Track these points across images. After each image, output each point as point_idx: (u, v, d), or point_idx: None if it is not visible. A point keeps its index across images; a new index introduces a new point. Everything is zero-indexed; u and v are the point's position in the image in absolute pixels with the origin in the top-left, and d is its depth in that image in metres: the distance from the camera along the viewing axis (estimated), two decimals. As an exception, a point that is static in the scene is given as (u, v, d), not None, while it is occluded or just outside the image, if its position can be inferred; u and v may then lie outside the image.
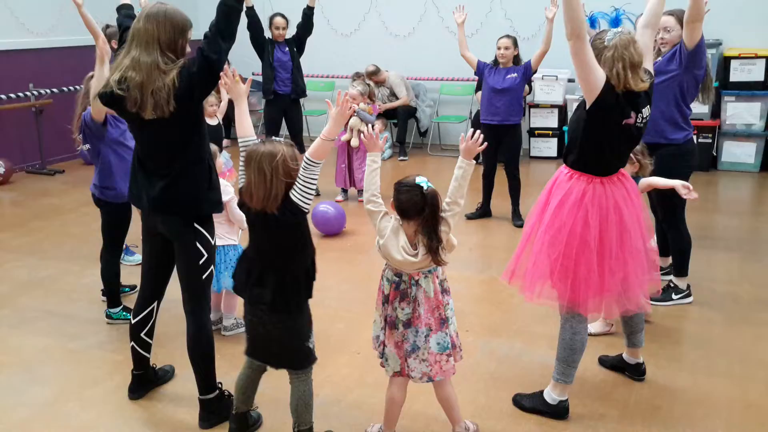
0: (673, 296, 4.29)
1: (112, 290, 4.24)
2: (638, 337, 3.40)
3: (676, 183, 3.59)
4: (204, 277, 3.05)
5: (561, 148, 8.42)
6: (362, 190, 6.48)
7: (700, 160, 6.87)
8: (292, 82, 6.88)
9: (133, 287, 4.54)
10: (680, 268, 4.31)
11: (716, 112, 7.66)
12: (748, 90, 7.50)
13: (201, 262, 3.02)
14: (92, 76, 4.13)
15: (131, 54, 2.82)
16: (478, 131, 2.80)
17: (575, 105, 7.50)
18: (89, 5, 4.41)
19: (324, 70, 9.71)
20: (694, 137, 4.24)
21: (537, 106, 8.46)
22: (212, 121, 5.34)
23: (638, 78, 2.88)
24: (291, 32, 6.97)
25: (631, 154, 3.55)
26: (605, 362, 3.57)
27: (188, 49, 2.91)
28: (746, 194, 7.11)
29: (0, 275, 5.03)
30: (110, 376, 3.57)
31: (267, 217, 2.66)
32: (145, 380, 3.39)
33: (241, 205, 2.76)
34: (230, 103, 3.58)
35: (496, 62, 6.00)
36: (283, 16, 6.88)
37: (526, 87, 8.01)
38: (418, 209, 2.59)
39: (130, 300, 4.47)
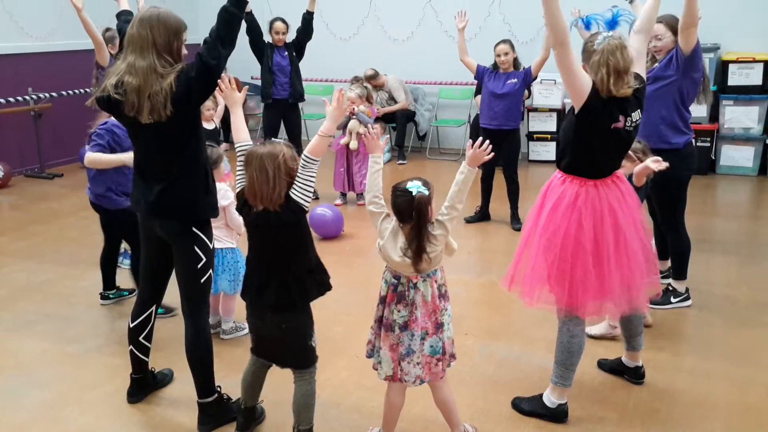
0: (672, 299, 4.29)
1: (107, 274, 4.41)
2: (637, 341, 3.40)
3: (645, 163, 3.53)
4: (202, 281, 3.06)
5: (559, 151, 8.43)
6: (361, 194, 6.54)
7: (699, 163, 6.86)
8: (291, 87, 6.89)
9: (131, 291, 4.54)
10: (679, 271, 4.31)
11: (714, 115, 7.67)
12: (746, 94, 7.51)
13: (199, 266, 3.02)
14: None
15: (127, 59, 2.83)
16: (487, 141, 2.78)
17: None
18: (90, 9, 4.43)
19: (323, 74, 9.72)
20: (693, 141, 4.24)
21: (536, 110, 8.48)
22: (209, 126, 5.35)
23: (622, 83, 2.87)
24: (290, 36, 6.98)
25: (631, 152, 3.55)
26: (604, 365, 3.57)
27: (185, 51, 2.91)
28: (744, 198, 7.12)
29: (-1, 279, 5.03)
30: (109, 379, 3.57)
31: (269, 216, 2.69)
32: (144, 384, 3.39)
33: (243, 205, 2.77)
34: (227, 108, 3.59)
35: (495, 66, 6.01)
36: (283, 20, 6.88)
37: (526, 91, 8.05)
38: (411, 213, 2.61)
39: (129, 304, 4.48)
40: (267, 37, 6.87)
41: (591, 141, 2.97)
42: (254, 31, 6.72)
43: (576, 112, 2.95)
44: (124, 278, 4.57)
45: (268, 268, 2.78)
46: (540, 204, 3.12)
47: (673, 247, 4.32)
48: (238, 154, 2.84)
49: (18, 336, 4.11)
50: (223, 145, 7.31)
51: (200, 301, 3.10)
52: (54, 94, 8.27)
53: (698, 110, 7.55)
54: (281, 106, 6.92)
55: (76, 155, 8.62)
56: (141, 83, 2.77)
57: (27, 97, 8.08)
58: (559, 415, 3.13)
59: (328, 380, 3.46)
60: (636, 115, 3.01)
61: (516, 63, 6.01)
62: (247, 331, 3.84)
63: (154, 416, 3.26)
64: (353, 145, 6.58)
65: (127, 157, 3.83)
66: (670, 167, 4.08)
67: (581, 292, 2.97)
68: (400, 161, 8.71)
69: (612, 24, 3.01)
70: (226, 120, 8.30)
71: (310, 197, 2.73)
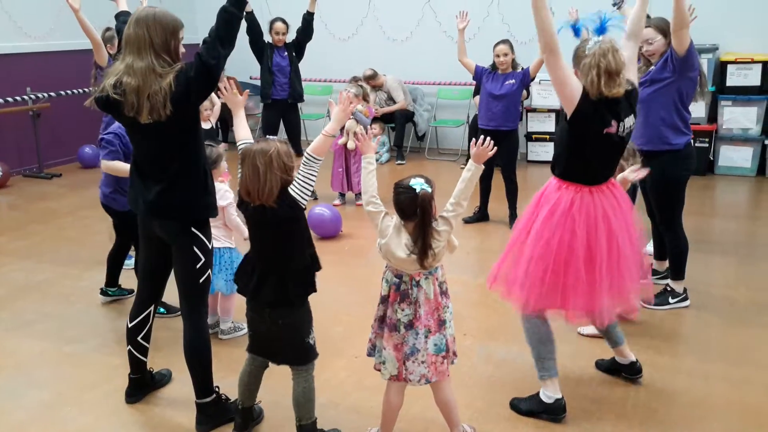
0: (670, 300, 4.30)
1: (111, 271, 4.44)
2: (615, 334, 3.38)
3: (623, 175, 3.52)
4: (201, 281, 3.05)
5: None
6: (359, 194, 6.52)
7: (697, 164, 6.87)
8: (290, 87, 6.89)
9: (132, 291, 4.53)
10: (677, 271, 4.31)
11: (713, 116, 7.68)
12: (744, 95, 7.52)
13: (198, 266, 3.02)
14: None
15: (125, 60, 2.83)
16: (488, 138, 2.82)
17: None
18: (88, 10, 4.42)
19: (322, 75, 9.72)
20: (692, 141, 4.25)
21: (534, 110, 8.48)
22: (206, 125, 5.35)
23: (614, 84, 2.89)
24: (290, 37, 6.98)
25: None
26: (601, 366, 3.58)
27: (183, 50, 2.90)
28: (743, 198, 7.13)
29: (-3, 279, 5.03)
30: (108, 379, 3.56)
31: (265, 211, 2.71)
32: (142, 384, 3.38)
33: (240, 202, 2.80)
34: (224, 106, 3.60)
35: (494, 67, 6.01)
36: (283, 21, 6.87)
37: (524, 92, 8.05)
38: (414, 210, 2.62)
39: (128, 303, 4.48)
40: (267, 37, 6.88)
41: (584, 147, 2.98)
42: (254, 31, 6.72)
43: (568, 117, 2.97)
44: (126, 278, 4.56)
45: (266, 264, 2.80)
46: (534, 210, 3.14)
47: (671, 247, 4.33)
48: (239, 152, 2.86)
49: (16, 335, 4.11)
50: (222, 145, 7.32)
51: (199, 301, 3.10)
52: (52, 93, 8.27)
53: (697, 111, 7.56)
54: (280, 107, 6.93)
55: (75, 155, 8.65)
56: (140, 84, 2.76)
57: (25, 97, 8.08)
58: (556, 410, 3.14)
59: (327, 380, 3.46)
60: (629, 121, 3.02)
61: (514, 64, 6.02)
62: (245, 331, 3.85)
63: (153, 416, 3.26)
64: (351, 144, 6.58)
65: None
66: (670, 167, 4.10)
67: (572, 298, 2.99)
68: (399, 161, 8.71)
69: (600, 30, 3.02)
70: (224, 120, 8.36)
71: (308, 195, 2.75)
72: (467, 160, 2.86)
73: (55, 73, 8.41)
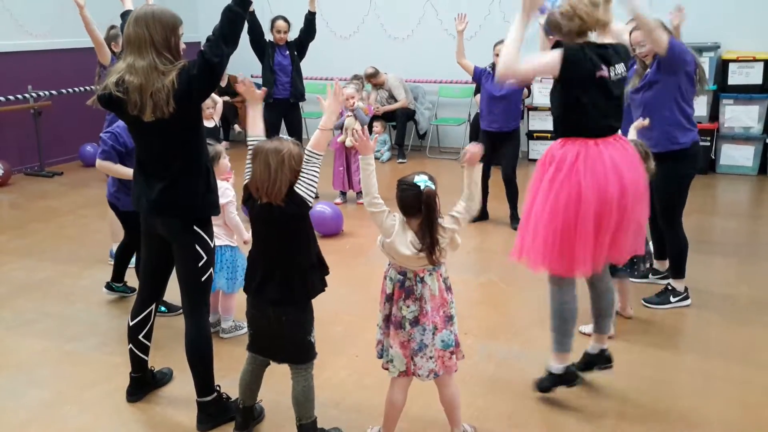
0: (672, 299, 4.29)
1: (119, 266, 4.46)
2: (606, 323, 3.40)
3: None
4: (203, 279, 3.05)
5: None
6: (361, 193, 6.51)
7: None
8: (292, 86, 6.88)
9: (133, 290, 4.53)
10: (677, 270, 4.31)
11: (714, 115, 7.68)
12: (746, 93, 7.51)
13: (200, 264, 3.02)
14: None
15: (127, 59, 2.83)
16: (474, 144, 2.84)
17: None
18: (93, 7, 4.40)
19: (323, 73, 9.72)
20: (698, 139, 4.24)
21: (536, 108, 8.47)
22: (209, 124, 5.35)
23: (608, 11, 2.96)
24: (292, 35, 6.97)
25: None
26: (577, 366, 3.45)
27: (183, 46, 2.90)
28: (744, 197, 7.12)
29: (-2, 277, 5.03)
30: (108, 378, 3.56)
31: (272, 209, 2.71)
32: (143, 383, 3.38)
33: (248, 198, 2.80)
34: (226, 105, 3.59)
35: (494, 66, 6.00)
36: (285, 19, 6.86)
37: (525, 90, 8.03)
38: (419, 207, 2.62)
39: (129, 302, 4.48)
40: (268, 36, 6.86)
41: (579, 96, 2.97)
42: (255, 30, 6.71)
43: (558, 76, 2.99)
44: (129, 277, 4.56)
45: (271, 262, 2.79)
46: (540, 173, 3.10)
47: (671, 246, 4.32)
48: (249, 147, 2.86)
49: (17, 334, 4.11)
50: (223, 143, 7.32)
51: (201, 299, 3.10)
52: (54, 92, 8.27)
53: (698, 109, 7.52)
54: (282, 106, 6.92)
55: (76, 153, 8.65)
56: (142, 82, 2.76)
57: (27, 95, 8.08)
58: (569, 377, 3.21)
59: (327, 379, 3.46)
60: (620, 68, 3.03)
61: None
62: (245, 330, 3.85)
63: (154, 415, 3.26)
64: (349, 142, 6.57)
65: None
66: (678, 166, 4.10)
67: (581, 254, 2.98)
68: (400, 160, 8.71)
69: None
70: (225, 118, 8.35)
71: (314, 192, 2.76)
72: None
73: (57, 72, 8.41)
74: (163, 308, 4.26)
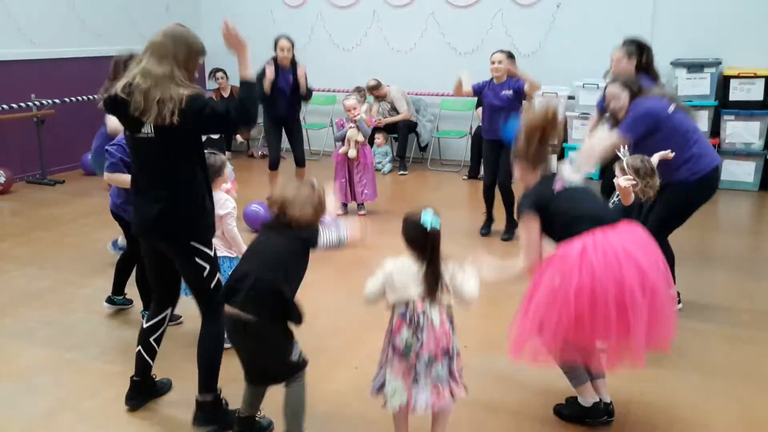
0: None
1: (119, 278, 4.43)
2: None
3: (618, 183, 3.51)
4: (212, 286, 3.10)
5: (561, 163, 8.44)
6: (362, 204, 6.52)
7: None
8: (291, 107, 6.92)
9: (132, 302, 4.52)
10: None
11: (716, 130, 7.70)
12: (747, 109, 7.53)
13: (205, 274, 3.07)
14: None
15: (142, 64, 2.89)
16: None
17: (575, 122, 7.51)
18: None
19: (325, 84, 9.75)
20: (719, 165, 4.18)
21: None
22: (214, 134, 5.36)
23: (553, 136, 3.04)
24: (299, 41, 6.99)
25: (630, 170, 3.56)
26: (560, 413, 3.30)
27: (196, 75, 3.01)
28: (745, 213, 7.13)
29: (-1, 285, 5.03)
30: (108, 387, 3.56)
31: (286, 219, 2.83)
32: (143, 388, 3.37)
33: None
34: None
35: (491, 80, 6.06)
36: (287, 38, 6.83)
37: (525, 102, 8.05)
38: (423, 244, 2.67)
39: (131, 313, 4.48)
40: (271, 51, 6.85)
41: (556, 217, 2.96)
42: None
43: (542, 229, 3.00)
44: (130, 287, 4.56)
45: (255, 269, 2.80)
46: (541, 270, 2.94)
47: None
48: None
49: (18, 342, 4.11)
50: (227, 154, 7.33)
51: (213, 308, 3.14)
52: (57, 100, 8.29)
53: (699, 125, 7.56)
54: (282, 118, 6.95)
55: (78, 162, 8.66)
56: (151, 86, 2.82)
57: (30, 104, 8.10)
58: (596, 412, 3.12)
59: (326, 392, 3.45)
60: (571, 176, 3.07)
61: (510, 74, 6.03)
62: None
63: (153, 425, 3.25)
64: (352, 153, 6.58)
65: None
66: (692, 190, 4.05)
67: (597, 346, 2.88)
68: (402, 172, 8.72)
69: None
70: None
71: (325, 244, 2.96)
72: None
73: (60, 80, 8.44)
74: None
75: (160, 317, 3.29)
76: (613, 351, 2.88)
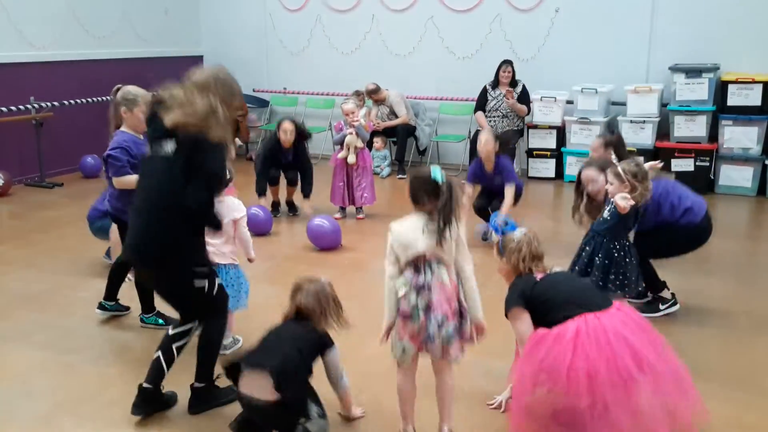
0: (661, 306, 4.35)
1: (112, 283, 4.41)
2: None
3: (616, 200, 3.63)
4: (214, 294, 3.19)
5: (559, 168, 8.46)
6: (361, 208, 6.52)
7: (698, 182, 6.89)
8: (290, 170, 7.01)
9: (127, 308, 4.51)
10: (655, 287, 4.40)
11: (714, 135, 7.71)
12: (745, 114, 7.54)
13: (205, 290, 3.16)
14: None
15: (185, 86, 3.00)
16: None
17: (573, 126, 7.55)
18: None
19: (324, 88, 9.77)
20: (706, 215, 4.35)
21: (536, 127, 8.49)
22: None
23: (539, 263, 3.09)
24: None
25: (622, 173, 3.57)
26: None
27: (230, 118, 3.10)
28: (743, 218, 7.14)
29: (-4, 288, 5.02)
30: (105, 390, 3.56)
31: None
32: (151, 398, 3.26)
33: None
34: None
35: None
36: (291, 121, 6.82)
37: (525, 107, 8.08)
38: (431, 195, 2.75)
39: (128, 317, 4.47)
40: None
41: (543, 313, 2.95)
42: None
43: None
44: (124, 292, 4.54)
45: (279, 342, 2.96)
46: (529, 352, 2.85)
47: (642, 271, 4.14)
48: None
49: (15, 345, 4.11)
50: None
51: (219, 306, 3.28)
52: (55, 103, 8.29)
53: (698, 130, 7.61)
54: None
55: (77, 165, 8.67)
56: (184, 100, 2.93)
57: (28, 106, 8.11)
58: None
59: (323, 396, 3.44)
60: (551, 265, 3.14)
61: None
62: (241, 343, 3.88)
63: (149, 429, 3.24)
64: (351, 159, 6.58)
65: None
66: (689, 234, 4.25)
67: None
68: (400, 175, 8.73)
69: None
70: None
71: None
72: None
73: (59, 83, 8.45)
74: (160, 321, 4.26)
75: (186, 327, 3.30)
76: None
